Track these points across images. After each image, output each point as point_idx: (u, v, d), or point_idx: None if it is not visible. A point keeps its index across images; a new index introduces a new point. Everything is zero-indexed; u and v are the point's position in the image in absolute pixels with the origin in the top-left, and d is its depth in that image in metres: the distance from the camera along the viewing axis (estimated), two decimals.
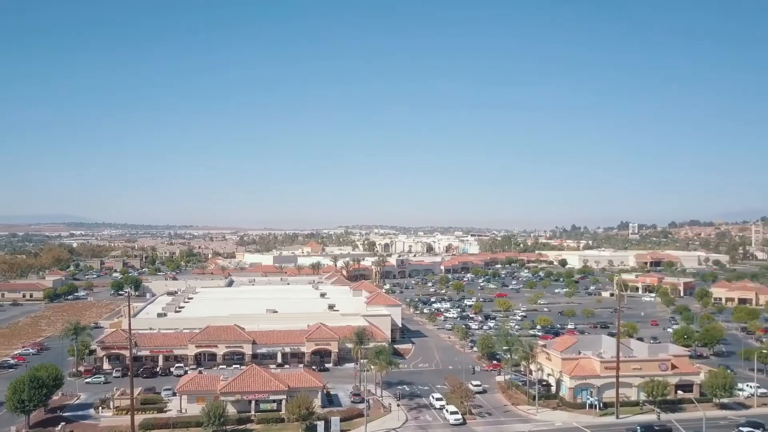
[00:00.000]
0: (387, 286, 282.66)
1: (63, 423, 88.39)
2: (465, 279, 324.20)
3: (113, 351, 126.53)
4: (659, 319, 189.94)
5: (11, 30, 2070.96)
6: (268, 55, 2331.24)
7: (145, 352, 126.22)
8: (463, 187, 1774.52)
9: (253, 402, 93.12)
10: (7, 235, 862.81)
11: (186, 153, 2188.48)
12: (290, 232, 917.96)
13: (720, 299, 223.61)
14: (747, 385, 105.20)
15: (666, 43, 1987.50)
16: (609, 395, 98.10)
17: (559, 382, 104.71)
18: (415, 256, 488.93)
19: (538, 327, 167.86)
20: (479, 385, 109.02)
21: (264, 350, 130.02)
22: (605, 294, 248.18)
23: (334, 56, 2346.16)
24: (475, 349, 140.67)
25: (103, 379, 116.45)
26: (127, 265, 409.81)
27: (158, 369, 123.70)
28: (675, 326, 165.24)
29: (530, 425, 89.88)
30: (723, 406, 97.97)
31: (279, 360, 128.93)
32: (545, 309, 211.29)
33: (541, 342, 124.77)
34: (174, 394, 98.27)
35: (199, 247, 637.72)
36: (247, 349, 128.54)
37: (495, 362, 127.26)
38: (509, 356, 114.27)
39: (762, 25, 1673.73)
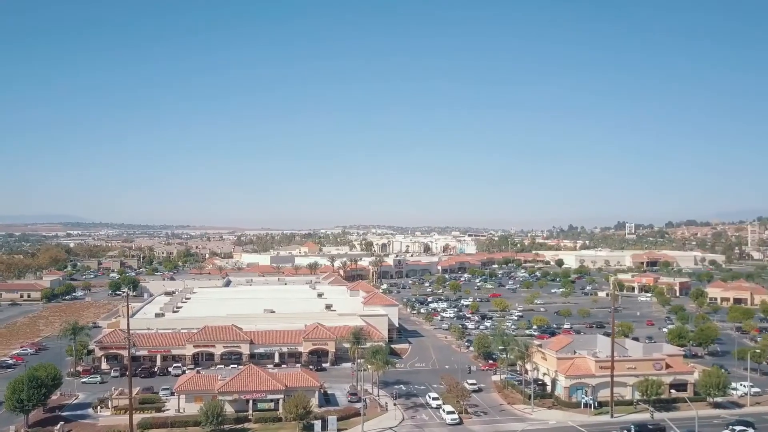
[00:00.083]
0: (384, 286, 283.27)
1: (62, 422, 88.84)
2: (462, 279, 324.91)
3: (111, 351, 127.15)
4: (655, 319, 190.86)
5: (11, 30, 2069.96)
6: (268, 55, 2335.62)
7: (143, 352, 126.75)
8: (462, 187, 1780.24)
9: (251, 401, 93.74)
10: (4, 235, 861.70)
11: (186, 153, 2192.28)
12: (287, 232, 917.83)
13: (715, 299, 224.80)
14: (741, 385, 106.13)
15: (666, 43, 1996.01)
16: (604, 394, 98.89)
17: (554, 382, 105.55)
18: (412, 256, 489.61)
19: (534, 327, 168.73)
20: (474, 384, 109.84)
21: (261, 350, 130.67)
22: (601, 294, 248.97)
23: (334, 56, 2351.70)
24: (471, 348, 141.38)
25: (99, 378, 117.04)
26: (125, 265, 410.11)
27: (156, 369, 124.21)
28: (670, 326, 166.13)
29: (525, 424, 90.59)
30: (717, 405, 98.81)
31: (276, 360, 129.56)
32: (541, 309, 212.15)
33: (536, 342, 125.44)
34: (172, 394, 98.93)
35: (197, 247, 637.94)
36: (245, 349, 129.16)
37: (491, 362, 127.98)
38: (505, 356, 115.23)
39: (762, 25, 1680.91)
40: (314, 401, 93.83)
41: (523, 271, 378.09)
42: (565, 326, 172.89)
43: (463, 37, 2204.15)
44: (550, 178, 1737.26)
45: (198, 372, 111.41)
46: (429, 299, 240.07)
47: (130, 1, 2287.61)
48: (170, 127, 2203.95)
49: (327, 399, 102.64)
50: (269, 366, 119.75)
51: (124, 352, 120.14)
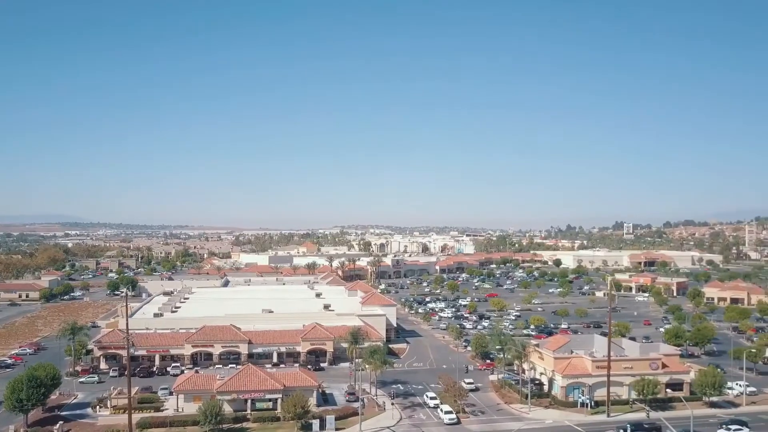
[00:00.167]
0: (382, 286, 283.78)
1: (61, 422, 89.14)
2: (460, 279, 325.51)
3: (110, 351, 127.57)
4: (652, 319, 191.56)
5: (11, 30, 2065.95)
6: (268, 55, 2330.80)
7: (141, 352, 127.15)
8: (462, 187, 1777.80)
9: (249, 401, 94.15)
10: (2, 235, 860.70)
11: (186, 153, 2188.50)
12: (286, 232, 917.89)
13: (712, 299, 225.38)
14: (737, 384, 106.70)
15: (666, 43, 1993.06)
16: (600, 394, 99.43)
17: (551, 381, 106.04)
18: (410, 256, 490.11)
19: (532, 326, 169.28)
20: (471, 383, 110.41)
21: (260, 350, 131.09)
22: (599, 294, 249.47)
23: (334, 56, 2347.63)
24: (469, 348, 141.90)
25: (96, 378, 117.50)
26: (123, 265, 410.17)
27: (155, 368, 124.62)
28: (667, 326, 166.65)
29: (522, 423, 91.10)
30: (712, 405, 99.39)
31: (275, 359, 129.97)
32: (539, 309, 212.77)
33: (534, 341, 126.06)
34: (171, 394, 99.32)
35: (195, 247, 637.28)
36: (243, 349, 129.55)
37: (488, 361, 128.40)
38: (502, 355, 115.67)
39: (762, 25, 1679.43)
40: (312, 401, 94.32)
41: (521, 271, 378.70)
42: (563, 326, 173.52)
43: (463, 37, 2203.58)
44: (549, 178, 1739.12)
45: (196, 372, 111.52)
46: (427, 299, 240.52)
47: (130, 1, 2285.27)
48: (170, 127, 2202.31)
49: (325, 398, 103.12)
50: (267, 366, 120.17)
51: (123, 352, 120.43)
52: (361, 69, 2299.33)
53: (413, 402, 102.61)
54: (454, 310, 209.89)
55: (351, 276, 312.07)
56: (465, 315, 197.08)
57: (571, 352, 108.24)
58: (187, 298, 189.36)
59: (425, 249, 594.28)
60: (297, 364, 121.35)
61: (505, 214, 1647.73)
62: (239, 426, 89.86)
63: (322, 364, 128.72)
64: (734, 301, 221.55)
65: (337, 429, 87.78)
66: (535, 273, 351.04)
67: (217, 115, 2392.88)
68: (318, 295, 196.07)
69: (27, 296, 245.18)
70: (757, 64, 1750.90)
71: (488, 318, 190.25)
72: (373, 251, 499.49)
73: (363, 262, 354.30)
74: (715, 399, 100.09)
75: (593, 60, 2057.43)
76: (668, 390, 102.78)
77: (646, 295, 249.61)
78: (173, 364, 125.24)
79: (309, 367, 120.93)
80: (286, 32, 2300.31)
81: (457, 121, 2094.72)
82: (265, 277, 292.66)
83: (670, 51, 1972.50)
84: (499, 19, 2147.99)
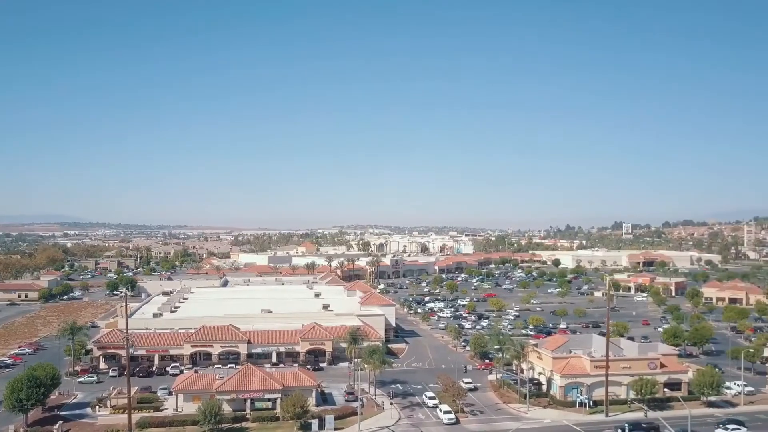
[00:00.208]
0: (381, 286, 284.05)
1: (60, 422, 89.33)
2: (459, 279, 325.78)
3: (110, 351, 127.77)
4: (650, 319, 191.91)
5: (11, 30, 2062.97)
6: (268, 55, 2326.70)
7: (141, 352, 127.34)
8: (461, 187, 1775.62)
9: (249, 401, 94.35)
10: (1, 235, 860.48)
11: (186, 153, 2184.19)
12: (285, 232, 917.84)
13: (711, 299, 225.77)
14: (735, 384, 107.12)
15: (666, 43, 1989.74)
16: (599, 393, 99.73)
17: (549, 381, 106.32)
18: (409, 256, 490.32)
19: (531, 326, 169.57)
20: (470, 383, 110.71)
21: (259, 350, 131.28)
22: (597, 294, 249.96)
23: (334, 56, 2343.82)
24: (467, 348, 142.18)
25: (95, 378, 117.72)
26: (122, 265, 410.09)
27: (154, 368, 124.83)
28: (666, 326, 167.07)
29: (521, 423, 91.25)
30: (710, 404, 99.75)
31: (274, 359, 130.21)
32: (538, 309, 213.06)
33: (532, 341, 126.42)
34: (170, 393, 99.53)
35: (194, 247, 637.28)
36: (242, 349, 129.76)
37: (487, 361, 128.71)
38: (501, 355, 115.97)
39: (762, 25, 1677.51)
40: (311, 400, 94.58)
41: (519, 271, 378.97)
42: (561, 326, 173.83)
43: (463, 37, 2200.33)
44: (549, 178, 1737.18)
45: (196, 372, 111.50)
46: (426, 299, 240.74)
47: (130, 1, 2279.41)
48: (170, 127, 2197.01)
49: (324, 398, 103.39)
50: (267, 366, 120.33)
51: (123, 352, 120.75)
52: (361, 69, 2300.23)
53: (412, 402, 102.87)
54: (453, 310, 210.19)
55: (350, 276, 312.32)
56: (464, 315, 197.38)
57: (570, 352, 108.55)
58: (186, 298, 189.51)
59: (424, 249, 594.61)
60: (296, 364, 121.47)
61: (504, 214, 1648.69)
62: (238, 426, 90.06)
63: (321, 364, 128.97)
64: (732, 301, 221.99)
65: (336, 429, 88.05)
66: (534, 273, 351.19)
67: (217, 115, 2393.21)
68: (317, 295, 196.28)
69: (26, 296, 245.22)
70: (757, 64, 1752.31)
71: (487, 318, 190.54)
72: (372, 251, 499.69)
73: (362, 262, 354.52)
74: (713, 399, 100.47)
75: (593, 60, 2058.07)
76: (666, 390, 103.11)
77: (645, 295, 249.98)
78: (172, 364, 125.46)
79: (308, 367, 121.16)
80: (286, 32, 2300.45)
81: (457, 121, 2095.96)
82: (264, 277, 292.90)
83: (670, 51, 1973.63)
84: (499, 19, 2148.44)
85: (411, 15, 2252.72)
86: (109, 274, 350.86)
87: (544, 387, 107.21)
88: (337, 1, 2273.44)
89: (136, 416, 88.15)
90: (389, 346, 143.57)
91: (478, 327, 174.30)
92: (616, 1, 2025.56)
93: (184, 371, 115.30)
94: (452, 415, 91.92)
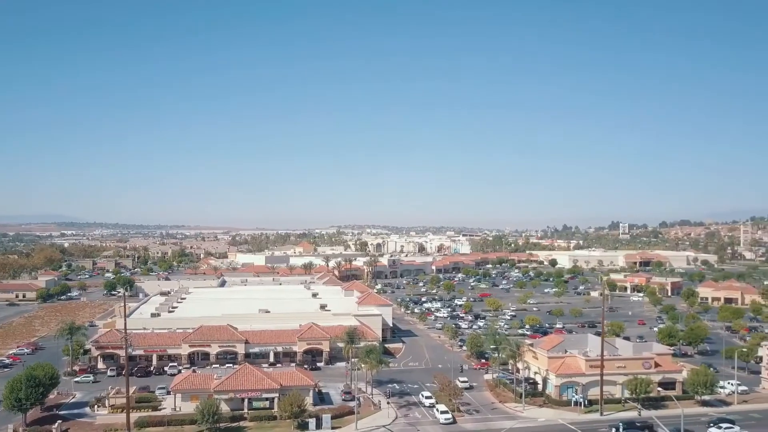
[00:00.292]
0: (378, 286, 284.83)
1: (59, 421, 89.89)
2: (456, 279, 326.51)
3: (108, 350, 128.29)
4: (646, 319, 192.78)
5: (11, 30, 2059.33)
6: (268, 55, 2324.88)
7: (139, 352, 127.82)
8: (461, 187, 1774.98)
9: (246, 400, 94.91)
10: None
11: (186, 153, 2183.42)
12: (282, 232, 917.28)
13: (706, 299, 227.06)
14: (728, 383, 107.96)
15: (666, 43, 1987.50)
16: (594, 393, 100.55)
17: (545, 380, 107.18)
18: (406, 256, 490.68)
19: (527, 326, 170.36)
20: (466, 382, 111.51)
21: (256, 349, 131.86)
22: (594, 294, 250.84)
23: (334, 56, 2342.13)
24: (464, 348, 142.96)
25: (92, 378, 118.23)
26: (120, 266, 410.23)
27: (152, 368, 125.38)
28: (661, 325, 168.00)
29: (516, 422, 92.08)
30: (704, 403, 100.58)
31: (271, 359, 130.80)
32: (534, 308, 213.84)
33: (528, 341, 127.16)
34: (168, 393, 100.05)
35: (191, 247, 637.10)
36: (240, 349, 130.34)
37: (483, 361, 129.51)
38: (497, 355, 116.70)
39: (762, 25, 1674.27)
40: (309, 400, 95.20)
41: (516, 271, 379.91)
42: (558, 326, 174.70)
43: (463, 37, 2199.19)
44: (549, 178, 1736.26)
45: (194, 371, 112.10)
46: (423, 299, 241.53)
47: (130, 1, 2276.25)
48: (170, 127, 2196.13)
49: (321, 398, 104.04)
50: (264, 365, 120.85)
51: (121, 352, 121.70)
52: (361, 69, 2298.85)
53: (409, 401, 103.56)
54: (449, 310, 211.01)
55: (347, 276, 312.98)
56: (460, 315, 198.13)
57: (565, 351, 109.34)
58: (184, 298, 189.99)
59: (422, 249, 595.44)
60: (293, 364, 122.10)
61: (504, 214, 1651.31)
62: (236, 425, 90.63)
63: (318, 364, 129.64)
64: (728, 300, 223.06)
65: (333, 428, 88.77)
66: (531, 273, 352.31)
67: (217, 115, 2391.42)
68: (314, 295, 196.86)
69: (24, 296, 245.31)
70: (757, 64, 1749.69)
71: (484, 318, 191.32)
72: (369, 251, 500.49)
73: (359, 262, 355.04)
74: (707, 398, 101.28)
75: (593, 60, 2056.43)
76: (661, 389, 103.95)
77: (641, 294, 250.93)
78: (170, 364, 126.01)
79: (305, 366, 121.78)
80: (286, 32, 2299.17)
81: (457, 121, 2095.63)
82: (261, 277, 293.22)
83: (670, 51, 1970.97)
84: (499, 19, 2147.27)
85: (411, 15, 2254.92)
86: (107, 274, 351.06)
87: (540, 386, 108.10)
88: (337, 1, 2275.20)
89: (134, 415, 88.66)
90: (386, 345, 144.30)
91: (474, 327, 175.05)
92: (616, 1, 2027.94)
93: (182, 371, 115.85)
94: (449, 415, 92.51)
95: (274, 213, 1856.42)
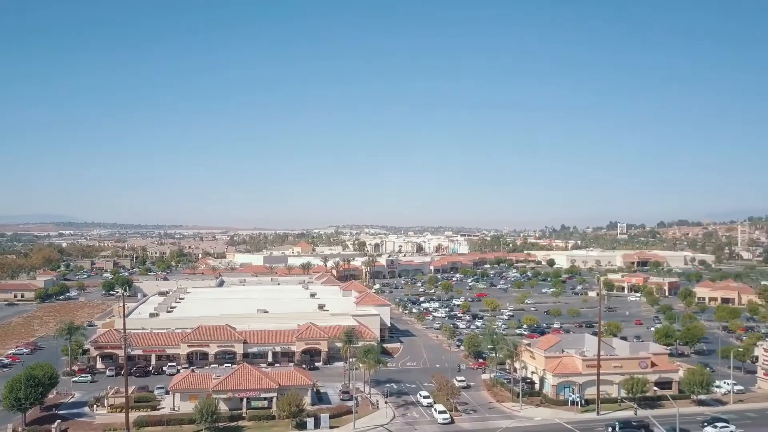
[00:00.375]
0: (376, 286, 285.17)
1: (59, 421, 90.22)
2: (454, 279, 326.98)
3: (107, 350, 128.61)
4: (643, 319, 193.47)
5: (11, 30, 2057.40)
6: (268, 55, 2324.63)
7: (138, 352, 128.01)
8: (461, 187, 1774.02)
9: (245, 400, 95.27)
10: None
11: (186, 153, 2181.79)
12: (280, 232, 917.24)
13: (703, 299, 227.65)
14: (724, 383, 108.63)
15: (666, 43, 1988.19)
16: (590, 392, 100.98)
17: (542, 380, 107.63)
18: (405, 256, 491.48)
19: (525, 326, 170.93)
20: (463, 381, 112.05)
21: (255, 349, 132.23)
22: (591, 294, 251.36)
23: (334, 56, 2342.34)
24: (462, 347, 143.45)
25: (89, 378, 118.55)
26: (118, 266, 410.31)
27: (151, 368, 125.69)
28: (658, 325, 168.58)
29: (512, 421, 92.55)
30: (700, 403, 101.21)
31: (270, 359, 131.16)
32: (532, 308, 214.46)
33: (525, 341, 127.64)
34: (167, 393, 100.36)
35: (190, 247, 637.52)
36: (239, 348, 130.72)
37: (481, 360, 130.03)
38: (495, 355, 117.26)
39: (762, 25, 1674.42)
40: (307, 399, 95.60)
41: (514, 271, 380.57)
42: (555, 326, 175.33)
43: (463, 37, 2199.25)
44: (548, 178, 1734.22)
45: (192, 371, 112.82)
46: (421, 299, 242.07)
47: (130, 1, 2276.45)
48: (170, 127, 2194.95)
49: (319, 397, 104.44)
50: (263, 365, 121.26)
51: (120, 352, 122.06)
52: (361, 69, 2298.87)
53: (406, 401, 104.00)
54: (447, 309, 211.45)
55: (345, 276, 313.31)
56: (458, 315, 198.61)
57: (562, 351, 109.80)
58: (183, 298, 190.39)
59: (420, 249, 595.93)
60: (292, 364, 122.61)
61: (503, 214, 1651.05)
62: (235, 424, 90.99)
63: (316, 364, 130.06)
64: (725, 300, 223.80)
65: (331, 427, 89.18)
66: (529, 273, 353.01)
67: (217, 115, 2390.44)
68: (312, 295, 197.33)
69: (22, 296, 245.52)
70: (757, 64, 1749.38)
71: (481, 318, 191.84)
72: (367, 251, 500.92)
73: (357, 262, 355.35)
74: (703, 397, 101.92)
75: (593, 60, 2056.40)
76: (657, 388, 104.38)
77: (639, 294, 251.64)
78: (169, 364, 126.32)
79: (304, 366, 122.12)
80: (286, 32, 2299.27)
81: (457, 121, 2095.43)
82: (259, 277, 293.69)
83: (670, 51, 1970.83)
84: (499, 19, 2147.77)
85: (411, 15, 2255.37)
86: (105, 274, 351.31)
87: (537, 386, 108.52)
88: (337, 1, 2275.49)
89: (133, 415, 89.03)
90: (384, 345, 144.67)
91: (472, 327, 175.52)
92: (616, 1, 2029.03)
93: (181, 371, 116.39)
94: (447, 415, 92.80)
95: (273, 213, 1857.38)
